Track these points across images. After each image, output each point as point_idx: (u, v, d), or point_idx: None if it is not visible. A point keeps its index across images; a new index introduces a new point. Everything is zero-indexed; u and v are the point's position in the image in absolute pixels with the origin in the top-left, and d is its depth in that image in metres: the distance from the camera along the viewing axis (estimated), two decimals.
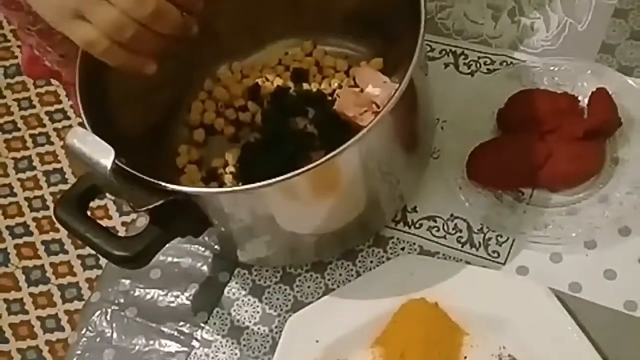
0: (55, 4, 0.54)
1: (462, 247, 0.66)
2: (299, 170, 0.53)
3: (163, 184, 0.54)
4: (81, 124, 0.57)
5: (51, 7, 0.55)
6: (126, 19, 0.52)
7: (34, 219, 1.69)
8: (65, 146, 0.51)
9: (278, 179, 0.53)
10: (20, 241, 1.67)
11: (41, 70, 1.01)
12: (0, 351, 1.55)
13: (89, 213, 0.57)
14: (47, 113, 1.83)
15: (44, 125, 1.82)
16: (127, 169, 0.54)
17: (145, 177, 0.54)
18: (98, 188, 0.56)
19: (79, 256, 1.62)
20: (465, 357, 0.60)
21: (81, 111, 0.58)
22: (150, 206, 0.54)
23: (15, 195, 1.73)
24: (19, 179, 1.75)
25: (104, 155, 0.51)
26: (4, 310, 1.59)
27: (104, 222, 1.50)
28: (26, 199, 1.72)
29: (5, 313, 1.59)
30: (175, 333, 0.67)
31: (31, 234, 1.67)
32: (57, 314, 1.57)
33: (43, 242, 1.66)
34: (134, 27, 0.52)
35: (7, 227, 1.69)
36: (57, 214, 0.56)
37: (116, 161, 0.51)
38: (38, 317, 1.57)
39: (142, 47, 0.54)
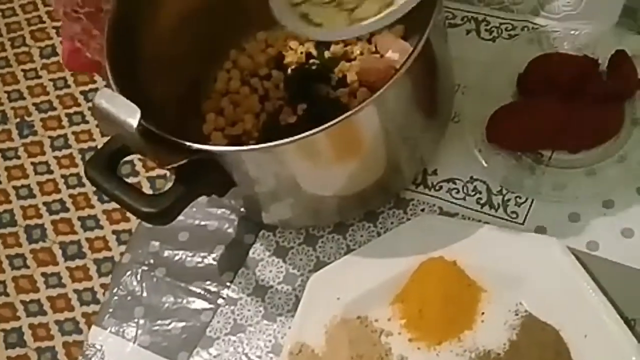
0: None
1: (481, 208, 0.67)
2: (318, 128, 0.54)
3: (187, 143, 0.56)
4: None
5: None
6: None
7: (70, 196, 1.71)
8: (93, 106, 0.53)
9: (297, 136, 0.54)
10: (57, 217, 1.69)
11: (81, 63, 1.03)
12: (39, 323, 1.59)
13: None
14: (82, 92, 1.85)
15: (79, 105, 1.83)
16: (153, 128, 0.55)
17: (169, 136, 0.55)
18: (127, 148, 0.57)
19: (114, 232, 1.64)
20: (483, 314, 0.61)
21: (110, 76, 0.60)
22: (175, 164, 0.56)
23: (52, 172, 1.76)
24: (55, 157, 1.77)
25: (130, 115, 0.52)
26: (42, 283, 1.62)
27: None
28: (62, 176, 1.74)
29: (44, 286, 1.62)
30: (202, 292, 0.69)
31: (67, 210, 1.69)
32: (93, 287, 1.59)
33: (79, 218, 1.68)
34: None
35: (45, 204, 1.72)
36: (87, 172, 0.58)
37: (142, 121, 0.52)
38: (75, 290, 1.60)
39: None
